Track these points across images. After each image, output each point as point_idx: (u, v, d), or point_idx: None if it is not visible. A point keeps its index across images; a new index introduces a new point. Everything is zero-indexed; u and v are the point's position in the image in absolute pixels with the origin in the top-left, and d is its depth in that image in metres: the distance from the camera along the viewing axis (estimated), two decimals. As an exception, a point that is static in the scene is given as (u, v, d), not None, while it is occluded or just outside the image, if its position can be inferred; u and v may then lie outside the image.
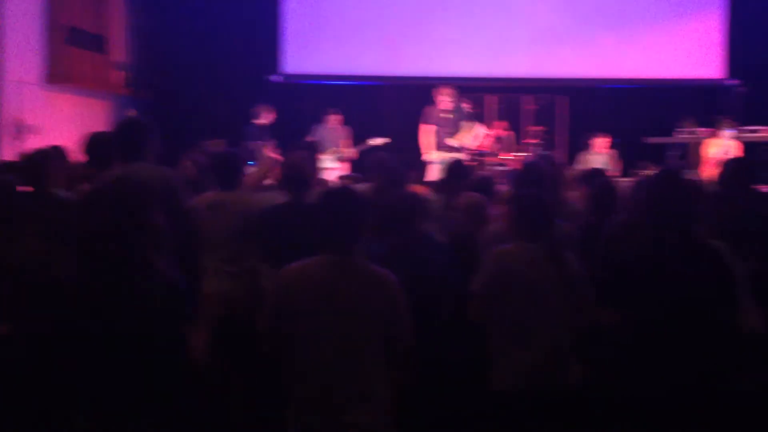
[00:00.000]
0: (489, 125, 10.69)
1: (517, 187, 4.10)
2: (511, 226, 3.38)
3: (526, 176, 4.15)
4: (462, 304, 3.41)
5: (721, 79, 11.11)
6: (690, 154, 9.69)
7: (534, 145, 10.84)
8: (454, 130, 9.23)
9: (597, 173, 5.13)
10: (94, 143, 4.19)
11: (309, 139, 10.18)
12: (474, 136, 9.78)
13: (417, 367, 2.88)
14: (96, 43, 10.54)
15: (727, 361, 3.04)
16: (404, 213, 3.72)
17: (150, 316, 2.54)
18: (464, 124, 9.53)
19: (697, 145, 9.28)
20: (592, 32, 11.17)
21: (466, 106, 9.96)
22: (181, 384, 2.64)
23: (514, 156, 10.62)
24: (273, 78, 11.10)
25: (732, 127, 8.81)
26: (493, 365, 3.27)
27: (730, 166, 4.65)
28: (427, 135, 9.30)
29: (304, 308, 2.75)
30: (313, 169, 4.51)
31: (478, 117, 10.33)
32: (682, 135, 10.36)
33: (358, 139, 10.33)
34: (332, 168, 10.13)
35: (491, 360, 3.28)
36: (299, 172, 4.16)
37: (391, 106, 11.25)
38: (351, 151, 10.26)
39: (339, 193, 2.92)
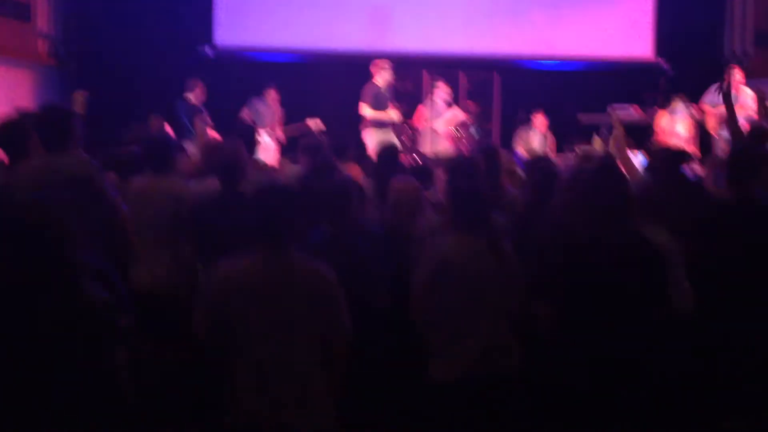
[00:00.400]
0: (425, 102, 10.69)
1: (452, 178, 4.08)
2: (448, 218, 3.36)
3: (461, 167, 4.12)
4: (396, 295, 3.39)
5: (651, 59, 11.32)
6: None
7: (467, 122, 10.91)
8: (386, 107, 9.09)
9: (539, 161, 5.09)
10: (9, 131, 3.99)
11: (244, 115, 9.99)
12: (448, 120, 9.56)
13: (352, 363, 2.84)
14: (19, 10, 10.10)
15: (656, 345, 3.11)
16: (337, 201, 3.66)
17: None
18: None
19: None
20: (527, 10, 11.21)
21: (442, 89, 9.67)
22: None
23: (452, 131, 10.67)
24: (205, 50, 10.81)
25: (685, 102, 9.00)
26: (434, 357, 3.26)
27: (659, 155, 4.76)
28: (364, 113, 9.16)
29: (240, 309, 2.68)
30: (248, 156, 4.39)
31: (415, 94, 10.29)
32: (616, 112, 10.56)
33: (292, 116, 10.18)
34: (267, 145, 9.97)
35: (431, 352, 3.27)
36: (233, 160, 4.04)
37: (328, 81, 11.09)
38: (286, 129, 10.11)
39: (272, 188, 2.84)
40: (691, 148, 9.00)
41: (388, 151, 5.06)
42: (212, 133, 9.62)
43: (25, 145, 3.84)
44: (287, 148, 10.07)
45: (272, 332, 2.67)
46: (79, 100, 5.76)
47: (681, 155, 5.01)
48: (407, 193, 4.25)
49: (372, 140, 8.90)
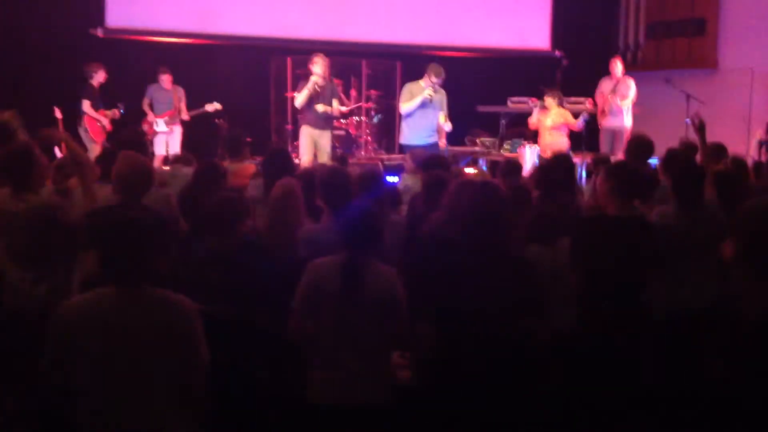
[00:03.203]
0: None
1: (326, 192, 4.04)
2: (339, 238, 3.32)
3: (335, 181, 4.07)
4: (281, 314, 3.35)
5: (547, 51, 11.57)
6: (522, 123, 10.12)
7: (371, 109, 10.93)
8: (326, 101, 8.60)
9: (434, 163, 5.14)
10: None
11: (144, 105, 9.70)
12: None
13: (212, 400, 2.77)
14: None
15: (532, 371, 3.20)
16: (224, 216, 3.63)
17: None
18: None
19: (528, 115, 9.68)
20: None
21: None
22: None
23: (354, 120, 10.66)
24: (96, 31, 10.38)
25: (554, 97, 9.23)
26: (310, 378, 3.24)
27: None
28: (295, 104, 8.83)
29: (87, 350, 2.58)
30: (151, 168, 4.30)
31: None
32: (513, 104, 10.79)
33: (192, 101, 9.95)
34: (164, 132, 9.72)
35: (309, 373, 3.25)
36: (137, 172, 3.94)
37: (226, 67, 10.88)
38: (184, 115, 9.85)
39: (126, 221, 2.69)
40: (562, 140, 9.22)
41: (277, 154, 5.02)
42: (105, 119, 9.37)
43: None
44: (187, 133, 9.88)
45: (122, 371, 2.58)
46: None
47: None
48: (287, 196, 4.21)
49: (304, 139, 8.66)
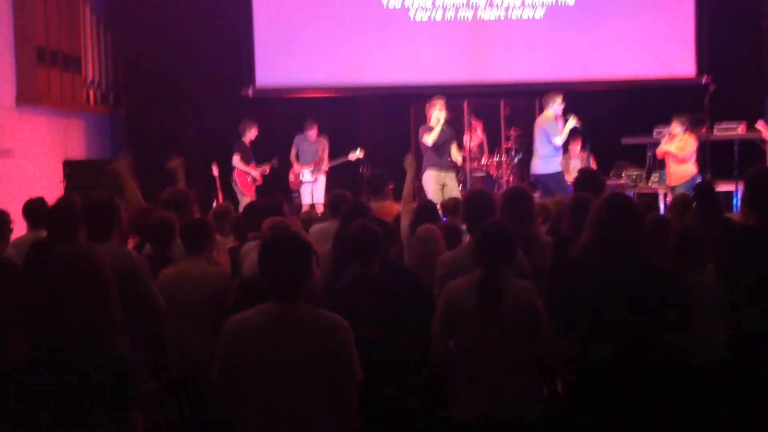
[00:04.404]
0: (468, 128, 10.67)
1: (468, 216, 4.02)
2: (474, 255, 3.33)
3: (477, 201, 4.05)
4: (422, 334, 3.38)
5: (693, 77, 11.13)
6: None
7: (511, 148, 10.87)
8: (446, 145, 8.55)
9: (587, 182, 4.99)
10: (59, 212, 4.12)
11: (292, 156, 10.16)
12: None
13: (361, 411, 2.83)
14: (68, 62, 10.47)
15: (680, 386, 3.05)
16: (367, 242, 3.68)
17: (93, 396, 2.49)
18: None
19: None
20: (564, 35, 11.15)
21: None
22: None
23: (494, 160, 10.65)
24: (245, 92, 11.02)
25: (681, 123, 8.88)
26: (453, 397, 3.25)
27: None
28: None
29: (250, 360, 2.74)
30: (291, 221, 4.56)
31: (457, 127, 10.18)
32: (659, 134, 10.43)
33: (335, 150, 10.31)
34: (309, 182, 10.10)
35: (452, 392, 3.26)
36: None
37: (368, 116, 11.22)
38: (328, 164, 10.19)
39: (281, 241, 2.86)
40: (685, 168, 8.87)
41: (425, 208, 5.05)
42: (256, 172, 9.87)
43: (74, 231, 3.93)
44: (331, 182, 10.21)
45: (280, 382, 2.72)
46: (121, 166, 5.84)
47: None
48: (429, 240, 4.28)
49: (430, 183, 8.54)
